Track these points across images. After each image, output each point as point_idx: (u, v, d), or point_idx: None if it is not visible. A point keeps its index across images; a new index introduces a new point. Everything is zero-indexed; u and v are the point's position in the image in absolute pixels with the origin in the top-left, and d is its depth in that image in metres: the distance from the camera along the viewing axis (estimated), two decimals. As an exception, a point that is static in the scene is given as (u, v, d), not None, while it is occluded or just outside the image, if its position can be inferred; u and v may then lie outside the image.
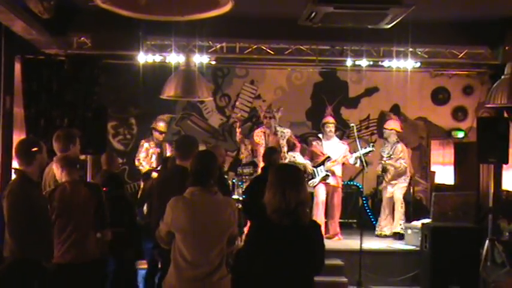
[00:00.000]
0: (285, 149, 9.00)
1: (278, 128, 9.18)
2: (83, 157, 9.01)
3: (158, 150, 9.03)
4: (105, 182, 6.28)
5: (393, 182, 9.61)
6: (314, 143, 9.53)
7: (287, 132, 9.19)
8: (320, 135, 9.47)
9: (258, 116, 9.80)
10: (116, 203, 5.99)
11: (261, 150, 8.54)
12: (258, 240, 3.63)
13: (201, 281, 3.89)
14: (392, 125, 9.72)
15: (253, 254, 3.61)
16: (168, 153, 8.99)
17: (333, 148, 9.28)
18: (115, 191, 6.29)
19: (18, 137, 8.10)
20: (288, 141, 9.08)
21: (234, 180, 9.23)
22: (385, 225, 9.67)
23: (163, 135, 9.24)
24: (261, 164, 7.92)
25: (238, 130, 9.26)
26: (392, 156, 9.54)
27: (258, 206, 3.66)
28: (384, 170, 9.61)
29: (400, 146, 9.67)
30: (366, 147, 9.10)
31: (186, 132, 10.62)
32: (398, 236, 9.39)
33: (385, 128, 9.74)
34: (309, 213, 3.63)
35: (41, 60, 8.67)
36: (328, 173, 9.16)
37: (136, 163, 8.99)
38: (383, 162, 9.57)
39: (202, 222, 3.91)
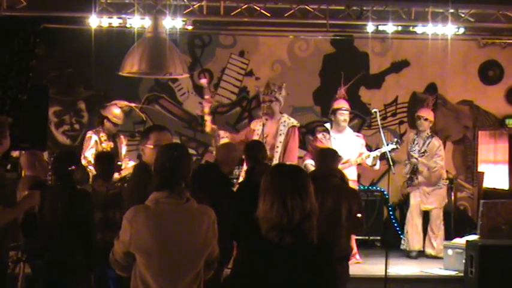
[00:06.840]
0: (282, 138, 8.83)
1: (285, 115, 9.06)
2: (16, 153, 9.01)
3: (111, 144, 8.90)
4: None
5: (426, 188, 9.67)
6: (319, 135, 9.39)
7: (294, 122, 9.03)
8: (327, 126, 9.39)
9: (259, 100, 9.60)
10: None
11: None
12: (251, 266, 3.60)
13: (170, 318, 3.87)
14: (429, 113, 9.78)
15: (245, 284, 3.59)
16: (124, 150, 8.91)
17: (345, 143, 9.16)
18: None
19: None
20: (288, 130, 8.86)
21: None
22: (413, 239, 9.72)
23: (117, 126, 9.09)
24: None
25: (208, 118, 8.99)
26: (426, 155, 9.61)
27: (246, 221, 3.63)
28: (414, 171, 9.64)
29: (437, 142, 9.75)
30: (388, 144, 8.99)
31: (153, 120, 10.62)
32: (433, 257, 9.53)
33: (422, 117, 9.73)
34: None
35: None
36: (337, 178, 9.09)
37: (84, 162, 8.61)
38: (414, 160, 9.61)
39: (171, 240, 3.90)
